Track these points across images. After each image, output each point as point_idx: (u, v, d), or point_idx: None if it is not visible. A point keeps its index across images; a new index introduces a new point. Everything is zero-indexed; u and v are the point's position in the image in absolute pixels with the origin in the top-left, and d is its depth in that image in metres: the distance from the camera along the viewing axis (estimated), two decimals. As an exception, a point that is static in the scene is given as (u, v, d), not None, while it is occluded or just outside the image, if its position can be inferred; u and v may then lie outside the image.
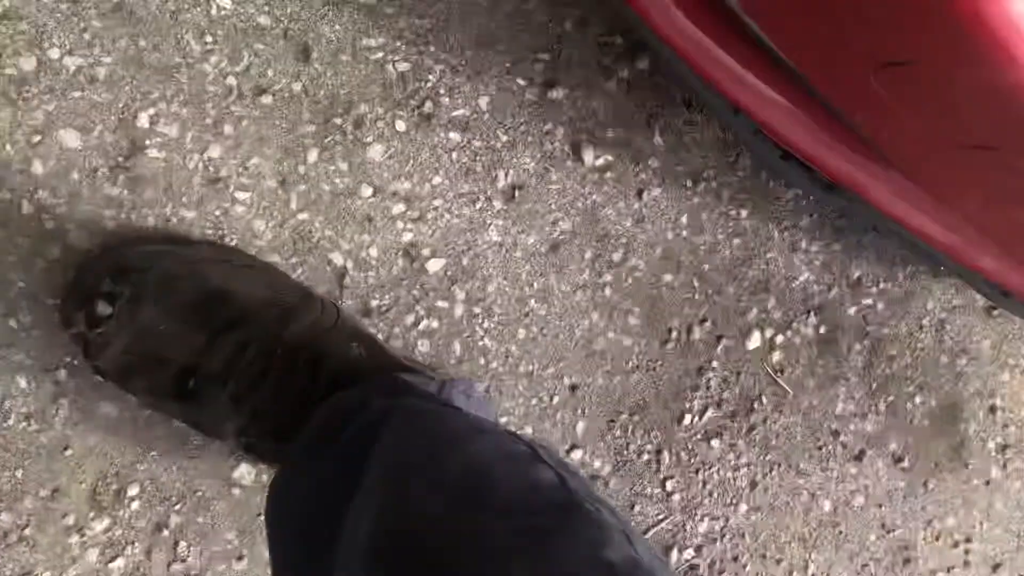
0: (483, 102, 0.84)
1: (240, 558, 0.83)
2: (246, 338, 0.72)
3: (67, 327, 0.72)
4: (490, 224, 0.86)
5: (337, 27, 0.79)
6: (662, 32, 0.69)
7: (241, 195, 0.79)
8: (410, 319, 0.85)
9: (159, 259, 0.72)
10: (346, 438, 0.61)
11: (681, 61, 0.72)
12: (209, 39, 0.77)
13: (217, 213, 0.78)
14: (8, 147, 0.73)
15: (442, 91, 0.83)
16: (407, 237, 0.84)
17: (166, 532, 0.81)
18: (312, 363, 0.72)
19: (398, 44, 0.81)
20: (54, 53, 0.74)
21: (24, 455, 0.77)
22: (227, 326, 0.72)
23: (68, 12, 0.73)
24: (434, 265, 0.85)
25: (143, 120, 0.76)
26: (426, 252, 0.85)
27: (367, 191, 0.82)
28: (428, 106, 0.83)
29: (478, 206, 0.85)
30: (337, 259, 0.82)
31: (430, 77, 0.82)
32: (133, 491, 0.79)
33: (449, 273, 0.86)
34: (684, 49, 0.71)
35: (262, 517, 0.82)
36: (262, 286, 0.75)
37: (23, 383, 0.76)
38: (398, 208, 0.83)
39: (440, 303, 0.86)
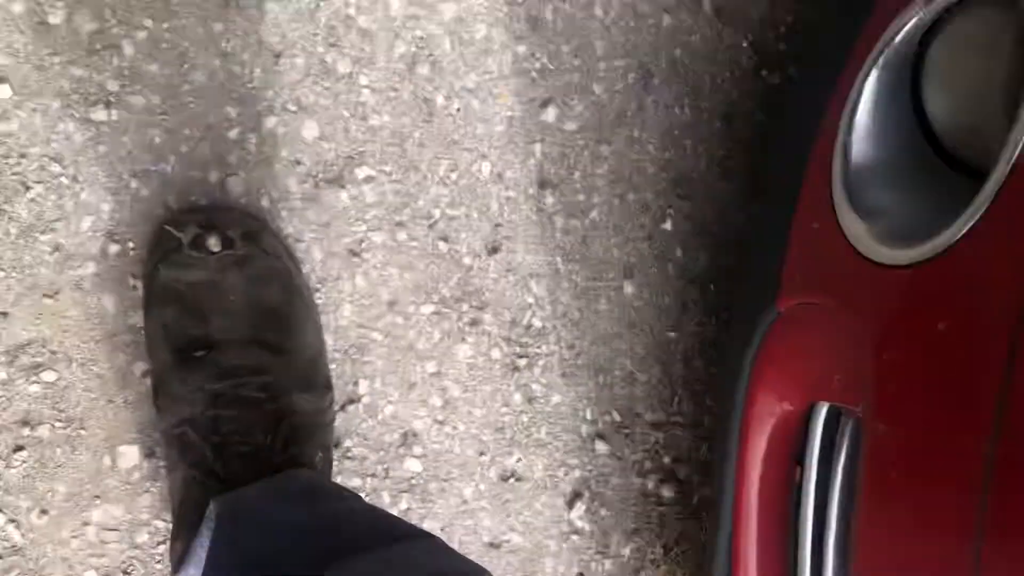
0: (555, 399, 0.91)
1: (44, 512, 0.75)
2: (269, 368, 0.72)
3: (172, 224, 0.72)
4: (476, 480, 0.89)
5: (528, 257, 0.89)
6: (739, 485, 0.78)
7: (359, 280, 0.83)
8: (355, 483, 0.85)
9: (286, 259, 0.75)
10: (325, 518, 0.62)
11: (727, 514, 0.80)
12: (454, 176, 0.86)
13: (333, 273, 0.82)
14: (286, 102, 0.80)
15: (540, 364, 0.90)
16: (419, 425, 0.86)
17: (27, 431, 0.74)
18: (288, 438, 0.72)
19: (548, 306, 0.90)
20: (363, 81, 0.83)
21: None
22: (270, 346, 0.72)
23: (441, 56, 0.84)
24: (413, 465, 0.86)
25: (362, 172, 0.83)
26: (418, 450, 0.86)
27: (431, 368, 0.86)
28: (523, 362, 0.90)
29: (482, 459, 0.89)
30: (362, 388, 0.84)
31: (543, 348, 0.90)
32: (49, 377, 0.74)
33: (415, 482, 0.87)
34: (737, 515, 0.79)
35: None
36: (315, 349, 0.77)
37: (107, 206, 0.75)
38: (436, 400, 0.87)
39: (385, 495, 0.86)
